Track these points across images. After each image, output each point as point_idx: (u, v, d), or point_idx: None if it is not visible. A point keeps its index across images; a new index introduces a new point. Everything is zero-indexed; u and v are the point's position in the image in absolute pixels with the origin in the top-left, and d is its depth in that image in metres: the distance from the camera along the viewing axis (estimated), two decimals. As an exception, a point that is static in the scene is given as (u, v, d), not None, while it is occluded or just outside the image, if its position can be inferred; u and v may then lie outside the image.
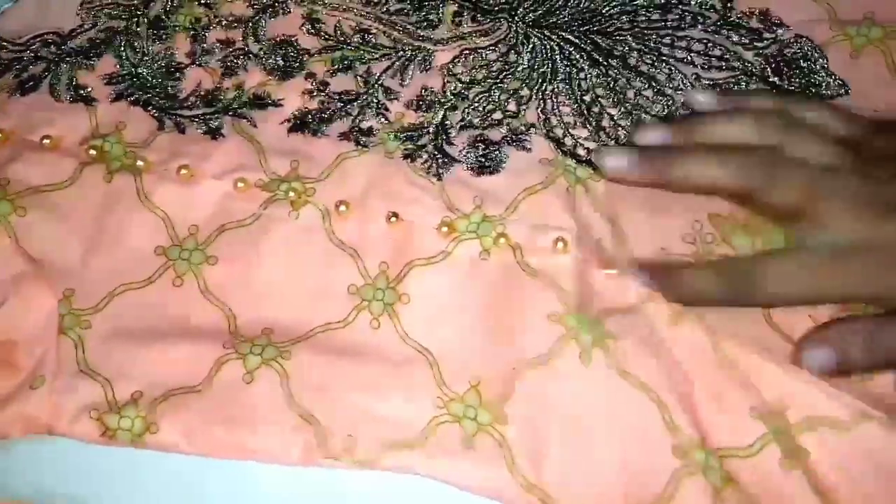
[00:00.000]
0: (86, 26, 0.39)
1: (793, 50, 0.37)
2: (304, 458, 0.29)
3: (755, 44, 0.37)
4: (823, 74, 0.36)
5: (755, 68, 0.37)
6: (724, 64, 0.37)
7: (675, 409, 0.29)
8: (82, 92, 0.37)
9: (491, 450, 0.29)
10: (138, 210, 0.34)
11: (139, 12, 0.39)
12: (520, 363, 0.30)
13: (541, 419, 0.29)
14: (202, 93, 0.37)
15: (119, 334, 0.31)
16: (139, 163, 0.35)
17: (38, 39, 0.38)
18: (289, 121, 0.36)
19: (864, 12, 0.38)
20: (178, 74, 0.38)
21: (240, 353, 0.31)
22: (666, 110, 0.36)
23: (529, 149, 0.35)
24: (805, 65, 0.37)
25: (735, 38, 0.37)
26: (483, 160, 0.35)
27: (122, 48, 0.38)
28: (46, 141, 0.35)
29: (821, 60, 0.37)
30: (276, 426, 0.29)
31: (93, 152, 0.35)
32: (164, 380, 0.30)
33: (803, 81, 0.36)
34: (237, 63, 0.38)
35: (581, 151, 0.35)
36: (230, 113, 0.36)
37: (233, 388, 0.30)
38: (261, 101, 0.37)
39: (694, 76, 0.37)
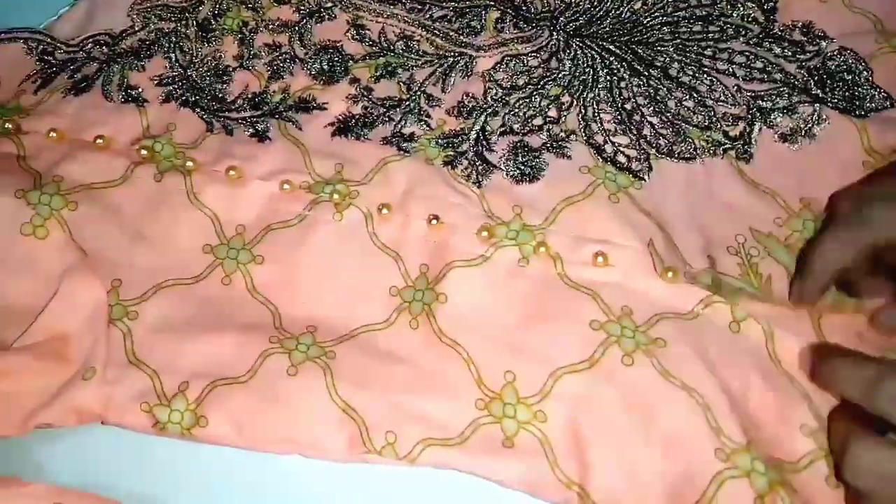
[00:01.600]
0: (136, 28, 0.40)
1: (836, 62, 0.37)
2: (349, 453, 0.29)
3: (798, 56, 0.37)
4: (868, 87, 0.36)
5: (798, 80, 0.37)
6: (765, 76, 0.37)
7: (722, 412, 0.29)
8: (133, 93, 0.38)
9: (531, 446, 0.30)
10: (187, 209, 0.35)
11: (188, 15, 0.40)
12: (560, 364, 0.31)
13: (581, 419, 0.30)
14: (249, 95, 0.38)
15: (166, 326, 0.32)
16: (188, 163, 0.36)
17: (91, 40, 0.40)
18: (333, 125, 0.37)
19: (910, 23, 0.38)
20: (225, 77, 0.39)
21: (285, 348, 0.31)
22: (707, 121, 0.36)
23: (569, 156, 0.36)
24: (849, 77, 0.37)
25: (777, 51, 0.38)
26: (523, 168, 0.36)
27: (172, 50, 0.39)
28: (99, 140, 0.36)
29: (865, 73, 0.37)
30: (321, 420, 0.30)
31: (144, 152, 0.36)
32: (209, 370, 0.31)
33: (847, 94, 0.36)
34: (283, 67, 0.39)
35: (621, 158, 0.36)
36: (276, 116, 0.37)
37: (277, 380, 0.31)
38: (306, 105, 0.38)
39: (735, 87, 0.37)
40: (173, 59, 0.39)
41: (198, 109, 0.38)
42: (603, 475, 0.29)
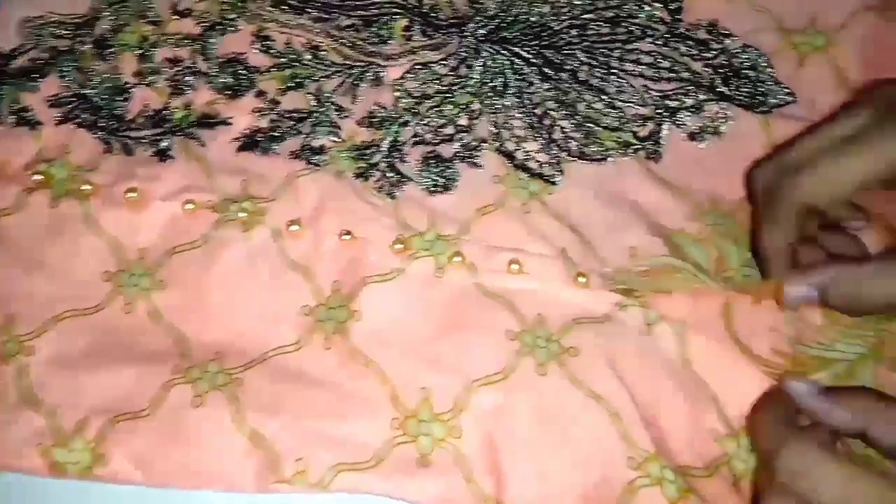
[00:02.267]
0: (27, 46, 0.38)
1: (740, 60, 0.37)
2: (258, 484, 0.28)
3: (703, 54, 0.38)
4: (771, 83, 0.37)
5: (704, 79, 0.37)
6: (672, 75, 0.37)
7: (633, 422, 0.29)
8: (25, 115, 0.36)
9: (447, 463, 0.29)
10: (85, 235, 0.33)
11: (83, 31, 0.39)
12: (475, 377, 0.30)
13: (496, 432, 0.29)
14: (150, 113, 0.37)
15: (63, 361, 0.31)
16: (85, 187, 0.34)
17: (-22, 61, 0.38)
18: (238, 140, 0.36)
19: (808, 20, 0.38)
20: (125, 95, 0.37)
21: (189, 378, 0.30)
22: (617, 122, 0.36)
23: (481, 165, 0.35)
24: (753, 74, 0.37)
25: (683, 49, 0.38)
26: (436, 178, 0.35)
27: (67, 69, 0.38)
28: (-10, 167, 0.34)
29: (768, 70, 0.37)
30: (227, 451, 0.29)
31: (38, 177, 0.34)
32: (109, 405, 0.30)
33: (751, 91, 0.37)
34: (185, 82, 0.37)
35: (533, 165, 0.35)
36: (178, 133, 0.36)
37: (181, 412, 0.29)
38: (210, 121, 0.36)
39: (643, 88, 0.37)
40: (68, 78, 0.37)
41: (95, 130, 0.36)
42: (518, 488, 0.29)
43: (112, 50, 0.38)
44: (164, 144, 0.36)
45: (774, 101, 0.36)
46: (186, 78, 0.37)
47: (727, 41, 0.38)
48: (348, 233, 0.33)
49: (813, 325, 0.31)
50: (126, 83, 0.37)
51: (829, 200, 0.29)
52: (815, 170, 0.29)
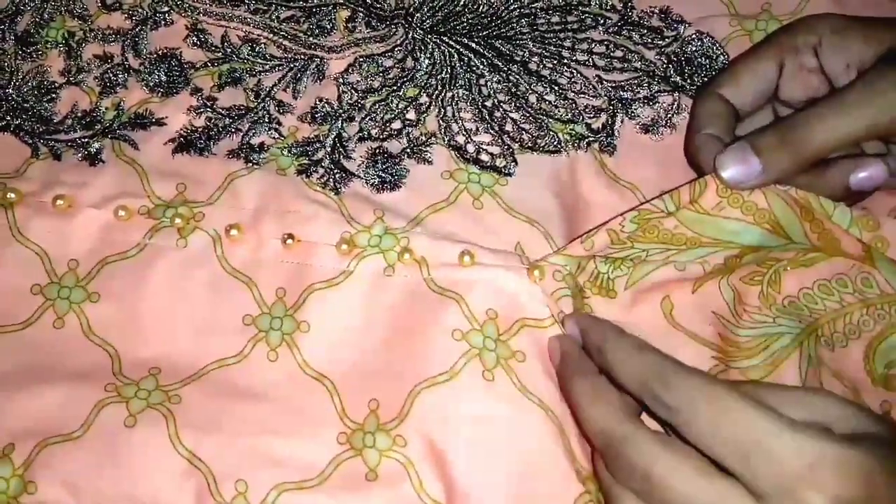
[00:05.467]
0: (-56, 44, 0.36)
1: (693, 47, 0.36)
2: (197, 507, 0.27)
3: (657, 42, 0.37)
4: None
5: (657, 68, 0.36)
6: (625, 65, 0.36)
7: (572, 435, 0.29)
8: (-56, 118, 0.34)
9: (395, 473, 0.28)
10: (11, 246, 0.31)
11: (4, 27, 0.36)
12: (420, 382, 0.29)
13: (443, 438, 0.28)
14: (79, 114, 0.35)
15: None
16: (10, 195, 0.32)
17: None
18: (173, 140, 0.34)
19: (761, 5, 0.37)
20: (51, 95, 0.35)
21: (122, 396, 0.29)
22: (569, 114, 0.35)
23: (431, 161, 0.34)
24: (706, 62, 0.36)
25: (636, 38, 0.37)
26: (383, 175, 0.34)
27: (-12, 68, 0.35)
28: None
29: (721, 57, 0.36)
30: (163, 474, 0.27)
31: (-43, 186, 0.32)
32: (37, 428, 0.28)
33: (705, 79, 0.36)
34: (116, 80, 0.35)
35: (484, 157, 0.34)
36: (110, 135, 0.34)
37: (113, 433, 0.28)
38: (143, 121, 0.34)
39: (596, 78, 0.36)
40: (-10, 77, 0.35)
41: (21, 133, 0.34)
42: (468, 494, 0.28)
43: (36, 47, 0.36)
44: (94, 148, 0.34)
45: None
46: (117, 76, 0.36)
47: (680, 28, 0.37)
48: (291, 236, 0.32)
49: (751, 307, 0.30)
50: (53, 82, 0.35)
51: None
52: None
